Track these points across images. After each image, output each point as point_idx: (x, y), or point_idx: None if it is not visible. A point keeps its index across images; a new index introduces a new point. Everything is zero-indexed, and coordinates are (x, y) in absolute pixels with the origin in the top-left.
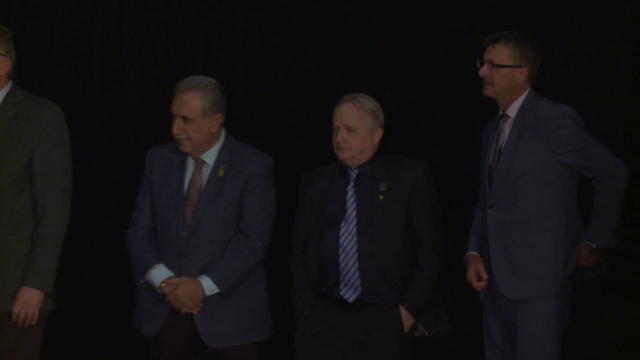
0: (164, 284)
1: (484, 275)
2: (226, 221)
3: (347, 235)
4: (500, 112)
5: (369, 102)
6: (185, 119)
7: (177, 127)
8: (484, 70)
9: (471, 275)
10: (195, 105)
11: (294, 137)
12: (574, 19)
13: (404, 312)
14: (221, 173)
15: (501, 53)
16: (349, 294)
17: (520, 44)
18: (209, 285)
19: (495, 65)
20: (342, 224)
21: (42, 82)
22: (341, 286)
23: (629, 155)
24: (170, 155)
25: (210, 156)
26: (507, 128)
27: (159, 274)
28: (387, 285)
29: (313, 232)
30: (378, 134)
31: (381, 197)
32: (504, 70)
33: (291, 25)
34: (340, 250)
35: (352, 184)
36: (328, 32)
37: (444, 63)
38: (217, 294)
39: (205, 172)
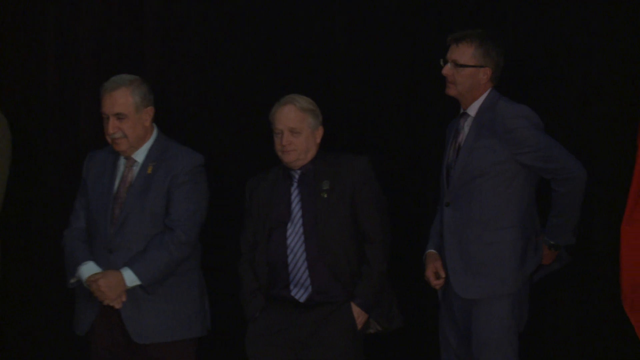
0: (90, 280)
1: (442, 274)
2: (154, 217)
3: (294, 235)
4: (461, 111)
5: (307, 102)
6: (119, 116)
7: (113, 127)
8: (447, 70)
9: (429, 273)
10: (127, 101)
11: (239, 140)
12: (533, 19)
13: (355, 309)
14: (149, 170)
15: (464, 53)
16: (300, 294)
17: (484, 44)
18: (130, 277)
19: (458, 65)
20: (289, 225)
21: None
22: (291, 287)
23: (587, 156)
24: (106, 157)
25: (140, 154)
26: (466, 127)
27: (87, 271)
28: (337, 283)
29: (261, 235)
30: (319, 133)
31: (325, 195)
32: (467, 70)
33: (244, 30)
34: (289, 251)
35: (295, 184)
36: (272, 32)
37: (391, 63)
38: (144, 290)
39: (135, 170)
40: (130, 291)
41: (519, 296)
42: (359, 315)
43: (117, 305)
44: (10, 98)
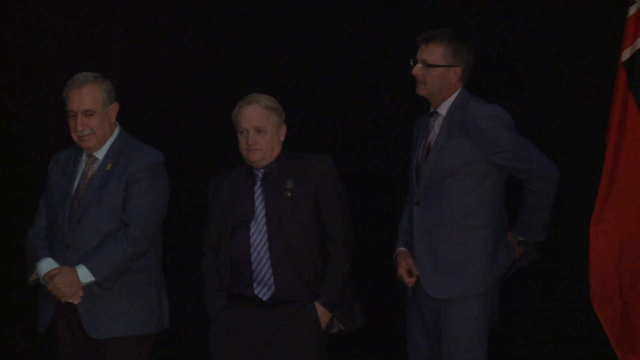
0: (46, 277)
1: (415, 271)
2: (111, 213)
3: (258, 234)
4: (431, 110)
5: (270, 101)
6: (87, 113)
7: (81, 124)
8: (417, 70)
9: (402, 271)
10: (95, 98)
11: (202, 138)
12: (504, 18)
13: (320, 308)
14: (109, 167)
15: (434, 53)
16: (263, 293)
17: (454, 44)
18: (84, 274)
19: (428, 65)
20: (252, 223)
21: None
22: (255, 285)
23: (557, 155)
24: (69, 156)
25: (102, 151)
26: (437, 126)
27: (45, 267)
28: (301, 282)
29: (224, 234)
30: (283, 131)
31: (288, 194)
32: (437, 70)
33: (209, 29)
34: (252, 249)
35: (259, 183)
36: (237, 32)
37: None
38: (99, 285)
39: (95, 167)
40: (87, 287)
41: (490, 296)
42: (323, 314)
43: (75, 302)
44: None
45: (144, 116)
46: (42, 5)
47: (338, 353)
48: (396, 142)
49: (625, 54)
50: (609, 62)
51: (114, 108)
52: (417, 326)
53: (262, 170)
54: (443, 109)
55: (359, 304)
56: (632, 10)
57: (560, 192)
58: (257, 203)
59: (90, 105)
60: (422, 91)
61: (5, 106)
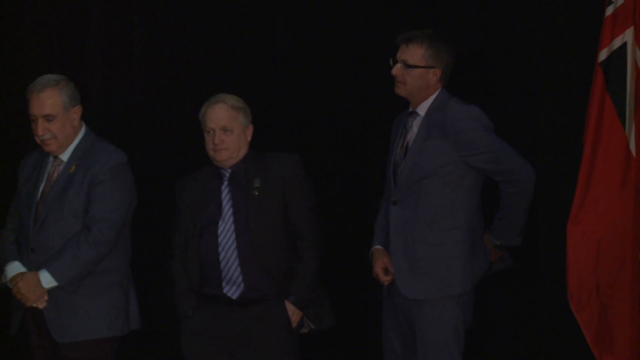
0: (12, 282)
1: (391, 269)
2: (74, 216)
3: (226, 233)
4: (410, 109)
5: (237, 101)
6: (48, 117)
7: (42, 128)
8: (397, 70)
9: (378, 269)
10: (55, 102)
11: (169, 139)
12: (481, 19)
13: (290, 307)
14: (72, 169)
15: (414, 53)
16: (232, 292)
17: (434, 45)
18: (46, 278)
19: (408, 66)
20: (220, 223)
21: None
22: (224, 284)
23: (534, 157)
24: (37, 158)
25: (66, 154)
26: (415, 126)
27: (11, 271)
28: (270, 280)
29: (192, 234)
30: (250, 131)
31: (256, 193)
32: (417, 71)
33: (179, 30)
34: (220, 249)
35: (226, 183)
36: (207, 32)
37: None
38: (62, 288)
39: (60, 169)
40: (52, 291)
41: (466, 298)
42: (293, 313)
43: (40, 306)
44: None
45: (115, 118)
46: (17, 8)
47: (310, 352)
48: (371, 141)
49: (602, 55)
50: (586, 63)
51: (77, 111)
52: (392, 327)
53: (229, 170)
54: (422, 110)
55: (329, 303)
56: (609, 11)
57: (538, 193)
58: (224, 203)
59: (51, 110)
60: (401, 91)
61: None
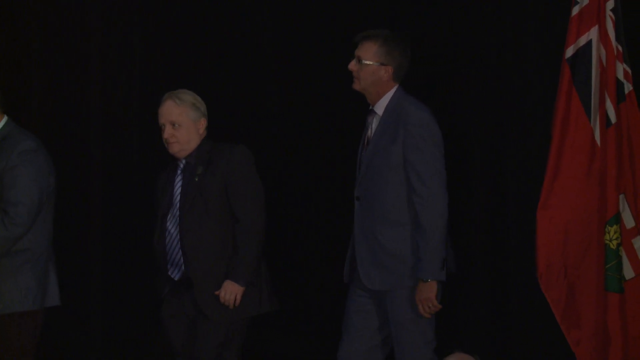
0: None
1: None
2: None
3: (172, 219)
4: (370, 107)
5: (187, 96)
6: None
7: None
8: (352, 65)
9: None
10: None
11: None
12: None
13: (224, 285)
14: None
15: (368, 50)
16: (175, 274)
17: (387, 44)
18: None
19: (362, 62)
20: (170, 210)
21: None
22: (169, 266)
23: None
24: None
25: None
26: (374, 124)
27: None
28: (209, 263)
29: (156, 223)
30: (202, 124)
31: (196, 179)
32: (370, 67)
33: (157, 30)
34: (167, 234)
35: (179, 173)
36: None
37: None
38: None
39: None
40: None
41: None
42: (225, 291)
43: None
44: None
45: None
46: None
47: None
48: (341, 138)
49: (569, 52)
50: (554, 59)
51: None
52: (354, 304)
53: (183, 161)
54: (380, 108)
55: (269, 289)
56: (575, 10)
57: (510, 179)
58: (175, 192)
59: None
60: (357, 86)
61: None
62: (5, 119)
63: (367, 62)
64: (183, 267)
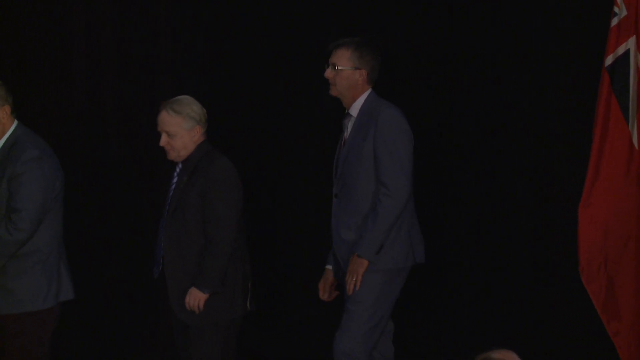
0: None
1: (330, 290)
2: (2, 206)
3: (162, 221)
4: (346, 111)
5: (181, 106)
6: None
7: None
8: (328, 73)
9: (319, 286)
10: None
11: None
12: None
13: (193, 293)
14: None
15: (342, 57)
16: (155, 271)
17: (359, 49)
18: None
19: (337, 68)
20: (164, 212)
21: None
22: (155, 264)
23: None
24: None
25: None
26: (349, 126)
27: None
28: (183, 262)
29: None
30: (196, 131)
31: (181, 185)
32: (345, 72)
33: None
34: (159, 233)
35: (175, 176)
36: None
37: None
38: None
39: None
40: None
41: (391, 274)
42: (189, 294)
43: None
44: None
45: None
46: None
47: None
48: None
49: (608, 60)
50: (594, 68)
51: (6, 110)
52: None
53: (180, 166)
54: (354, 111)
55: (243, 293)
56: (614, 22)
57: (554, 180)
58: (169, 194)
59: None
60: (333, 92)
61: None
62: (15, 124)
63: (342, 68)
64: (161, 266)
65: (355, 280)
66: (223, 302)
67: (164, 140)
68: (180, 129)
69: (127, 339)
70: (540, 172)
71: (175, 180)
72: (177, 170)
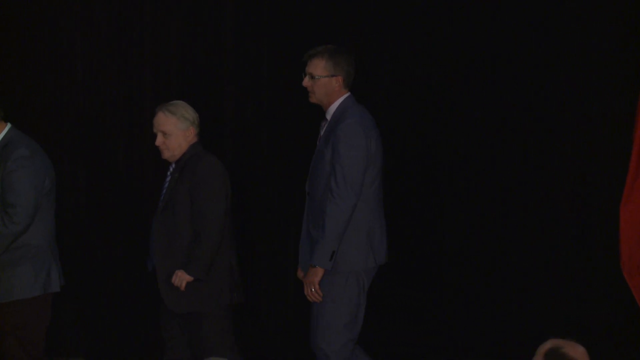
0: None
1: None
2: None
3: (155, 216)
4: (324, 115)
5: (176, 108)
6: None
7: None
8: (306, 82)
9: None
10: None
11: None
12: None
13: (179, 274)
14: None
15: (317, 66)
16: (150, 264)
17: (333, 57)
18: None
19: (314, 77)
20: (157, 208)
21: None
22: (149, 257)
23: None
24: None
25: None
26: (323, 130)
27: None
28: (171, 255)
29: None
30: (190, 132)
31: (172, 183)
32: (322, 80)
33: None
34: (152, 229)
35: (168, 174)
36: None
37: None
38: None
39: None
40: None
41: (350, 276)
42: (175, 276)
43: None
44: None
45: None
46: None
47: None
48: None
49: None
50: (636, 67)
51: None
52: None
53: (173, 165)
54: (329, 115)
55: (229, 283)
56: None
57: (597, 180)
58: (162, 191)
59: None
60: (313, 99)
61: None
62: (7, 127)
63: (319, 76)
64: (154, 260)
65: (314, 289)
66: (209, 292)
67: (159, 140)
68: (176, 128)
69: (127, 333)
70: (582, 171)
71: (168, 178)
72: (170, 169)
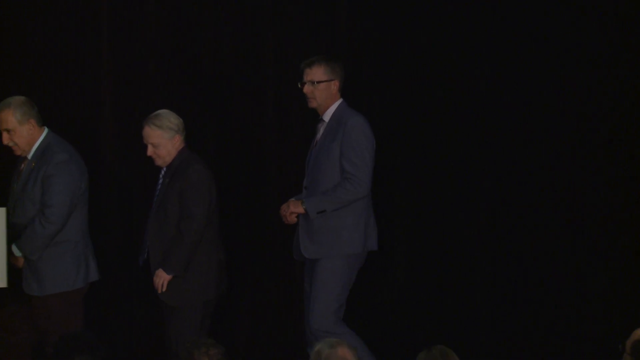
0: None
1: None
2: (33, 202)
3: (150, 216)
4: (320, 117)
5: (161, 121)
6: (7, 130)
7: (5, 139)
8: (307, 88)
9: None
10: (9, 119)
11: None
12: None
13: (159, 273)
14: (33, 165)
15: (317, 72)
16: (141, 259)
17: (329, 63)
18: (15, 249)
19: (315, 83)
20: (152, 209)
21: None
22: (141, 253)
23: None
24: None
25: (31, 152)
26: (322, 130)
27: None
28: (163, 252)
29: None
30: (177, 139)
31: (164, 187)
32: (322, 85)
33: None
34: (146, 226)
35: (160, 178)
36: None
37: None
38: (31, 255)
39: (25, 166)
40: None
41: (349, 259)
42: (156, 276)
43: (19, 266)
44: None
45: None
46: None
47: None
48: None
49: None
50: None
51: (32, 122)
52: (307, 280)
53: (164, 170)
54: (327, 117)
55: (214, 275)
56: None
57: (597, 181)
58: (155, 194)
59: (7, 125)
60: (313, 104)
61: None
62: (45, 131)
63: (320, 81)
64: (146, 255)
65: (291, 212)
66: (197, 285)
67: (150, 151)
68: (163, 139)
69: (129, 332)
70: (582, 171)
71: (160, 181)
72: (162, 173)
